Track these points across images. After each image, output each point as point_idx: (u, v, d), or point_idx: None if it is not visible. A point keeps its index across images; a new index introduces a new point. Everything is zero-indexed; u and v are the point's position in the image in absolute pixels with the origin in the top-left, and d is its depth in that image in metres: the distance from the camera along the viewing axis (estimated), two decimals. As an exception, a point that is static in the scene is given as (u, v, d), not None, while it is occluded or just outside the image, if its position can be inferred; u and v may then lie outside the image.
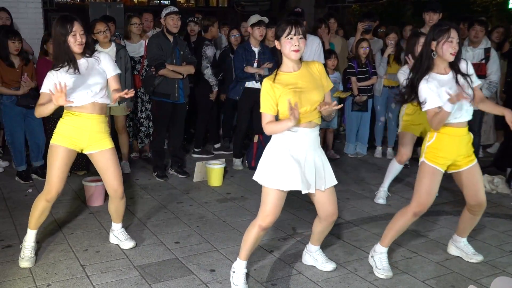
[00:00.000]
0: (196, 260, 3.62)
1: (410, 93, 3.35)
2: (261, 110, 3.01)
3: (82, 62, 3.45)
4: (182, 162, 5.88)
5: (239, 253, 3.19)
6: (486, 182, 5.28)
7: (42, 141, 5.54)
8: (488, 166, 6.01)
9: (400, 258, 3.67)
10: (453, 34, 3.19)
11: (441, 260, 3.64)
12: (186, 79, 5.51)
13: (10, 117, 5.35)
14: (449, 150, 3.33)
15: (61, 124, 3.51)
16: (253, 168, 5.92)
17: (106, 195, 4.82)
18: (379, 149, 6.67)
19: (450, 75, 3.30)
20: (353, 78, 6.34)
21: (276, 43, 3.01)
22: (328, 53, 6.32)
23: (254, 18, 5.74)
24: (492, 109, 3.56)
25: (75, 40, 3.32)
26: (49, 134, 5.54)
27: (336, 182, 3.15)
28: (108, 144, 3.59)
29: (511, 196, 5.07)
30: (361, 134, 6.63)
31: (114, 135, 5.94)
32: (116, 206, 3.74)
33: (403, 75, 4.53)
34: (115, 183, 3.60)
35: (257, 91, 5.55)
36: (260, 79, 5.68)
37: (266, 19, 5.83)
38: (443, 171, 3.38)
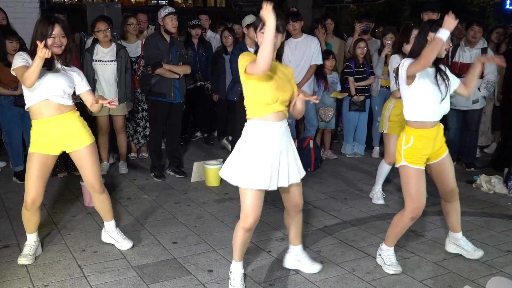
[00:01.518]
0: (194, 260, 3.62)
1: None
2: (242, 63, 2.91)
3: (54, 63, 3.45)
4: (179, 162, 5.88)
5: (233, 255, 3.20)
6: (484, 182, 5.29)
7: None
8: (486, 166, 6.04)
9: (398, 258, 3.66)
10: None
11: (439, 260, 3.65)
12: (183, 79, 5.51)
13: (8, 117, 5.34)
14: (426, 148, 3.35)
15: (32, 133, 3.48)
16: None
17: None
18: (376, 149, 6.67)
19: (433, 70, 3.31)
20: (351, 78, 6.35)
21: (258, 34, 2.94)
22: (326, 53, 6.32)
23: (249, 19, 5.74)
24: (471, 75, 3.51)
25: (54, 42, 3.33)
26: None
27: (305, 173, 3.22)
28: (82, 142, 3.56)
29: (508, 196, 5.08)
30: (358, 134, 6.64)
31: (112, 135, 5.95)
32: (99, 201, 3.73)
33: (395, 61, 4.46)
34: (90, 179, 3.60)
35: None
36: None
37: None
38: (424, 168, 3.38)
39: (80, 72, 3.61)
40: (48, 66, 3.36)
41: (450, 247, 3.77)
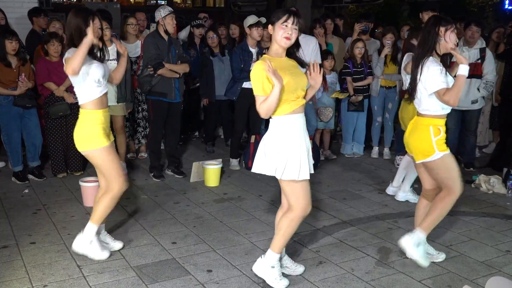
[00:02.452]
0: (193, 260, 3.62)
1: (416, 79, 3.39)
2: (255, 93, 3.01)
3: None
4: (178, 162, 5.88)
5: (274, 248, 3.21)
6: (483, 182, 5.30)
7: (39, 142, 5.53)
8: (484, 166, 6.04)
9: (396, 258, 3.67)
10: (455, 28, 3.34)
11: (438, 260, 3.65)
12: (182, 78, 5.52)
13: (7, 117, 5.33)
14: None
15: (91, 127, 3.51)
16: (250, 168, 5.90)
17: (103, 196, 4.84)
18: (376, 149, 6.67)
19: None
20: (349, 78, 6.35)
21: (270, 27, 3.03)
22: (325, 53, 6.32)
23: (252, 19, 5.74)
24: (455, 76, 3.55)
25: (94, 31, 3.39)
26: (46, 134, 5.54)
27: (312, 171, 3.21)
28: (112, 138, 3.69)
29: (507, 196, 5.08)
30: (357, 135, 6.64)
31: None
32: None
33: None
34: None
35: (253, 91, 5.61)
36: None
37: (264, 20, 5.83)
38: None
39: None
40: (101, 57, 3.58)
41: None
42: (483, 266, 3.56)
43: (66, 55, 3.45)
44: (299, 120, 3.09)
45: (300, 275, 3.41)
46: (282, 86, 2.88)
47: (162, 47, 5.28)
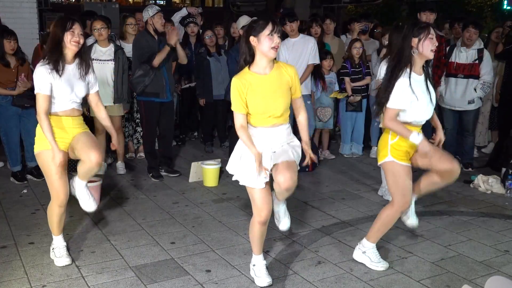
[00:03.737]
0: (192, 260, 3.62)
1: (388, 96, 3.24)
2: (232, 109, 3.06)
3: (71, 67, 3.39)
4: (170, 161, 5.87)
5: (252, 250, 3.31)
6: (481, 182, 5.30)
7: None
8: (483, 166, 6.05)
9: (395, 258, 3.68)
10: (432, 31, 3.21)
11: (436, 260, 3.65)
12: (172, 76, 5.53)
13: (5, 117, 5.33)
14: (411, 145, 3.31)
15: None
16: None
17: (101, 196, 4.84)
18: (374, 149, 6.66)
19: (422, 76, 3.31)
20: (347, 79, 6.35)
21: (252, 39, 2.95)
22: (324, 53, 6.32)
23: (244, 20, 5.74)
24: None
25: (73, 36, 3.28)
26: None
27: (291, 158, 3.06)
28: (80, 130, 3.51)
29: (505, 196, 5.09)
30: (356, 135, 6.64)
31: (109, 135, 5.92)
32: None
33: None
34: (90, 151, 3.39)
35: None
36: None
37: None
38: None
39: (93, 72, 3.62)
40: (61, 71, 3.38)
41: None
42: (481, 266, 3.56)
43: (35, 72, 3.38)
44: (270, 133, 3.07)
45: (299, 275, 3.41)
46: (257, 155, 2.99)
47: (152, 45, 5.28)
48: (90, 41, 5.74)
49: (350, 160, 6.49)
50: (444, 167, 3.33)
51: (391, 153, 3.31)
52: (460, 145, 6.15)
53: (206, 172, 5.37)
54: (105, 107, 5.44)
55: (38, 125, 3.41)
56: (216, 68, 6.50)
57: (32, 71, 5.46)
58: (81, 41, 3.33)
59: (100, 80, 5.47)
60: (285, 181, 2.98)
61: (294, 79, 3.12)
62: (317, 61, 6.05)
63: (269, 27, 2.91)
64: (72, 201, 4.83)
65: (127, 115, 6.10)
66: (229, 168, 3.22)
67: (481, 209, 4.75)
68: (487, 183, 5.27)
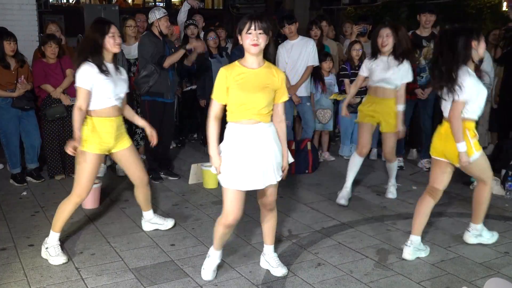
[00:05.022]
0: (192, 262, 3.61)
1: (447, 82, 3.47)
2: (212, 96, 3.11)
3: (110, 66, 3.67)
4: (170, 164, 5.87)
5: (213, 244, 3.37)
6: (481, 184, 5.29)
7: (38, 143, 5.52)
8: (483, 167, 6.03)
9: (395, 260, 3.67)
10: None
11: (436, 262, 3.65)
12: (176, 77, 5.56)
13: (5, 119, 5.33)
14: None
15: (88, 131, 3.58)
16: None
17: (101, 198, 4.83)
18: (374, 150, 6.67)
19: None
20: (346, 80, 6.35)
21: (239, 37, 3.07)
22: (323, 55, 6.33)
23: None
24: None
25: (114, 40, 3.59)
26: (42, 136, 5.53)
27: (277, 180, 3.17)
28: (128, 142, 3.85)
29: (505, 198, 5.09)
30: (355, 136, 6.62)
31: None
32: (144, 193, 4.04)
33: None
34: (140, 174, 3.94)
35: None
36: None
37: None
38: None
39: (124, 70, 3.91)
40: (107, 71, 3.65)
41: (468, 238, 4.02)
42: (481, 268, 3.56)
43: (77, 75, 3.60)
44: (249, 131, 3.07)
45: (299, 277, 3.41)
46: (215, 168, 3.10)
47: (159, 46, 5.31)
48: None
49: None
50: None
51: (476, 148, 3.60)
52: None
53: (206, 174, 5.37)
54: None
55: (85, 126, 3.59)
56: (217, 70, 6.47)
57: (32, 73, 5.51)
58: (120, 41, 3.65)
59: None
60: (271, 203, 3.31)
61: (282, 84, 3.15)
62: (317, 63, 6.06)
63: (247, 25, 2.99)
64: (71, 203, 4.84)
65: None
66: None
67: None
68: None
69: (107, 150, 3.71)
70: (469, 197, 5.07)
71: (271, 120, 3.17)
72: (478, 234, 3.95)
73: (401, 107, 4.72)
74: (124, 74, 3.81)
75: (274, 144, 3.13)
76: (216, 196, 5.10)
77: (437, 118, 6.29)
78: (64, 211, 3.64)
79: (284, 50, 5.97)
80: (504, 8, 12.10)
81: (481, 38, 3.51)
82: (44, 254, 3.63)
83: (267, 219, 3.43)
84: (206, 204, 4.89)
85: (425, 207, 3.76)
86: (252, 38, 2.98)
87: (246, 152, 3.06)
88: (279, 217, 4.50)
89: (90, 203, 4.71)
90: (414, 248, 3.69)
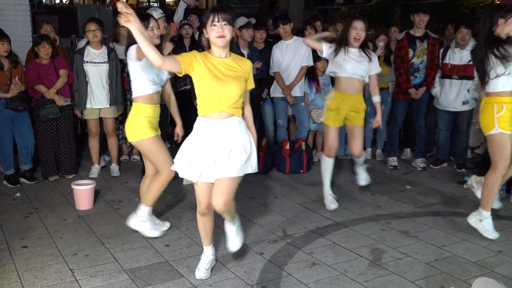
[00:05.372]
0: (186, 263, 3.61)
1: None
2: (177, 56, 3.01)
3: None
4: None
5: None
6: (475, 183, 5.31)
7: (31, 144, 5.50)
8: (477, 167, 6.07)
9: (389, 259, 3.68)
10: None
11: (431, 261, 3.66)
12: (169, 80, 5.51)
13: (-1, 120, 5.30)
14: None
15: (139, 119, 3.82)
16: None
17: (95, 198, 4.82)
18: (368, 150, 6.69)
19: None
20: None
21: (204, 31, 3.04)
22: (318, 55, 6.32)
23: (242, 21, 5.75)
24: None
25: (153, 33, 3.82)
26: (36, 137, 5.50)
27: (233, 175, 3.06)
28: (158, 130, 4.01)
29: (498, 197, 5.10)
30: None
31: (103, 137, 5.93)
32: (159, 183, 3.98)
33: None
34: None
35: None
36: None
37: (253, 20, 5.85)
38: None
39: None
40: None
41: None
42: (475, 267, 3.58)
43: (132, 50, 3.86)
44: (221, 127, 3.05)
45: (293, 277, 3.41)
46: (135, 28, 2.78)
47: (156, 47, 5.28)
48: (82, 43, 5.73)
49: (344, 162, 6.49)
50: None
51: (499, 125, 3.80)
52: (454, 145, 6.18)
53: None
54: (100, 109, 5.52)
55: (130, 115, 3.88)
56: None
57: (25, 74, 5.48)
58: (159, 33, 3.94)
59: (95, 82, 5.49)
60: (218, 205, 3.10)
61: (250, 73, 3.15)
62: (311, 63, 6.06)
63: (211, 18, 2.96)
64: (65, 203, 4.83)
65: (121, 117, 6.08)
66: (175, 159, 3.23)
67: (474, 210, 4.75)
68: (481, 184, 5.28)
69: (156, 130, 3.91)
70: (463, 196, 5.12)
71: (243, 115, 3.18)
72: (480, 220, 4.05)
73: (377, 98, 4.65)
74: None
75: (241, 139, 3.10)
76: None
77: (431, 117, 6.34)
78: (158, 190, 3.89)
79: (279, 50, 5.97)
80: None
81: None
82: (138, 226, 3.97)
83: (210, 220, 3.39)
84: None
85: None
86: (217, 30, 2.94)
87: (210, 148, 3.05)
88: (273, 217, 4.53)
89: (84, 204, 4.70)
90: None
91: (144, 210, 3.97)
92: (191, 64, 2.97)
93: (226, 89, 3.00)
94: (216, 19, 2.94)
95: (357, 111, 4.59)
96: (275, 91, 6.11)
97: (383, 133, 6.64)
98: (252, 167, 3.20)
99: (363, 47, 4.54)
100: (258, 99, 5.96)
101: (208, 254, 3.43)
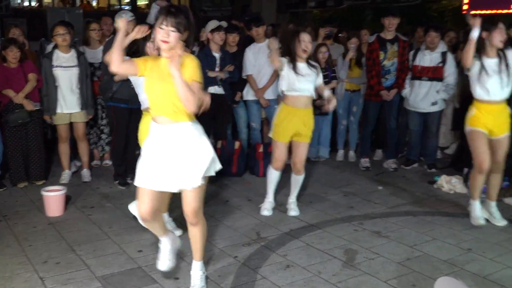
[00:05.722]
0: (160, 268, 3.57)
1: None
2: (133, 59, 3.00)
3: None
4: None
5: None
6: (444, 183, 5.42)
7: (0, 150, 5.37)
8: (446, 167, 6.18)
9: (362, 260, 3.72)
10: (501, 25, 4.10)
11: (402, 260, 3.71)
12: None
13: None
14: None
15: (143, 126, 3.79)
16: (216, 174, 5.89)
17: (66, 205, 4.74)
18: (341, 152, 6.75)
19: (495, 59, 4.19)
20: (314, 83, 6.39)
21: (154, 28, 2.91)
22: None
23: (213, 24, 5.73)
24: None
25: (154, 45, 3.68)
26: (7, 142, 5.37)
27: (195, 185, 2.98)
28: None
29: (468, 196, 5.20)
30: (322, 138, 6.68)
31: (74, 142, 5.83)
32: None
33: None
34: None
35: (219, 97, 5.60)
36: (222, 83, 5.67)
37: (225, 23, 5.84)
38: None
39: None
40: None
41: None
42: (446, 265, 3.64)
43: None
44: (159, 130, 2.96)
45: (267, 279, 3.41)
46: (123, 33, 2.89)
47: (126, 51, 5.22)
48: (50, 46, 5.64)
49: (317, 164, 6.53)
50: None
51: (468, 122, 4.38)
52: (424, 146, 6.29)
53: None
54: (70, 114, 5.43)
55: (141, 123, 3.98)
56: None
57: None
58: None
59: (65, 86, 5.40)
60: (189, 215, 3.09)
61: (194, 69, 2.93)
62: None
63: (160, 19, 2.85)
64: (35, 210, 4.73)
65: (92, 121, 6.00)
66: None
67: (444, 209, 4.85)
68: (450, 183, 5.39)
69: None
70: (433, 196, 5.21)
71: (196, 119, 3.03)
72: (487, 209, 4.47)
73: (327, 92, 4.59)
74: None
75: (195, 145, 2.97)
76: (180, 201, 5.05)
77: (402, 118, 6.42)
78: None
79: (251, 53, 5.98)
80: (465, 11, 12.40)
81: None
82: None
83: (192, 234, 3.21)
84: (174, 210, 4.83)
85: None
86: (163, 35, 2.84)
87: (160, 151, 2.95)
88: (247, 220, 4.52)
89: (55, 211, 4.61)
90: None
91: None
92: (140, 64, 2.93)
93: (165, 90, 2.88)
94: (164, 23, 2.83)
95: (305, 125, 4.51)
96: (248, 94, 6.11)
97: (355, 134, 6.70)
98: (214, 168, 3.10)
99: (309, 59, 4.53)
100: (231, 102, 5.95)
101: (164, 244, 3.27)
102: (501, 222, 4.41)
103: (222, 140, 5.92)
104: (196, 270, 3.25)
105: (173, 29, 2.84)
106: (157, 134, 2.99)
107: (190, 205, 3.07)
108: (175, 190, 3.03)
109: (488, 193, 4.49)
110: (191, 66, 2.91)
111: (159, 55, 3.05)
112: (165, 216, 4.06)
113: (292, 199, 4.79)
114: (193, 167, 2.96)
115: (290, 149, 4.72)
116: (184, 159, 2.94)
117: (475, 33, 4.08)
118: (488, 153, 4.21)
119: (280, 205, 4.93)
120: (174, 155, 2.94)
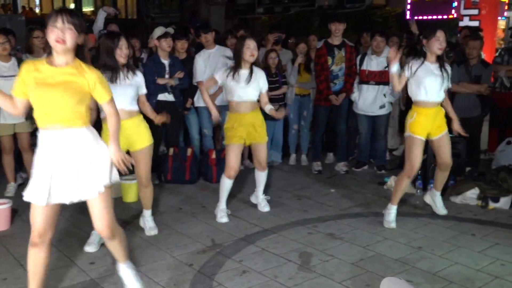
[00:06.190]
0: (113, 279, 3.49)
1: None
2: (11, 92, 2.77)
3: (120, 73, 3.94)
4: None
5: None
6: (394, 183, 5.55)
7: None
8: (395, 168, 6.35)
9: (317, 262, 3.76)
10: (440, 33, 4.26)
11: (356, 261, 3.78)
12: None
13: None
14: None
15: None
16: (169, 182, 5.83)
17: (12, 218, 4.55)
18: (293, 156, 6.82)
19: (436, 64, 4.39)
20: (264, 88, 6.43)
21: (45, 31, 2.68)
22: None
23: (159, 31, 5.66)
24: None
25: (121, 52, 3.92)
26: None
27: (94, 196, 2.81)
28: (140, 144, 4.06)
29: (416, 195, 5.37)
30: (275, 142, 6.74)
31: (18, 153, 5.61)
32: (144, 193, 4.27)
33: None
34: (142, 175, 4.16)
35: (170, 104, 5.54)
36: (173, 90, 5.62)
37: (171, 30, 5.78)
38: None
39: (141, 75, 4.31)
40: (116, 78, 4.00)
41: (426, 198, 4.91)
42: (398, 264, 3.73)
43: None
44: (57, 138, 2.74)
45: (224, 286, 3.39)
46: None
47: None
48: None
49: (270, 168, 6.54)
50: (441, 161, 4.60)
51: (409, 128, 4.49)
52: (373, 148, 6.44)
53: (125, 187, 5.22)
54: (14, 124, 5.23)
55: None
56: None
57: None
58: (128, 52, 4.05)
59: (6, 96, 5.19)
60: (104, 230, 2.90)
61: (96, 84, 2.78)
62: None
63: (52, 17, 2.64)
64: (-22, 226, 4.50)
65: (36, 131, 5.79)
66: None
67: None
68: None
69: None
70: (384, 197, 5.34)
71: (90, 123, 2.88)
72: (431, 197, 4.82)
73: (269, 107, 4.74)
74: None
75: (91, 151, 2.80)
76: (137, 210, 4.96)
77: (351, 122, 6.56)
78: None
79: (201, 60, 5.95)
80: (408, 17, 12.85)
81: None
82: None
83: (111, 247, 3.09)
84: (127, 219, 4.74)
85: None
86: (58, 34, 2.61)
87: (48, 163, 2.74)
88: (201, 226, 4.49)
89: (0, 225, 4.42)
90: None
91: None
92: (21, 88, 2.74)
93: (53, 100, 2.69)
94: (59, 21, 2.61)
95: (256, 128, 4.62)
96: (199, 101, 6.07)
97: (306, 138, 6.79)
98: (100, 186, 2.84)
99: (254, 64, 4.62)
100: (182, 109, 5.90)
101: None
102: (442, 211, 4.77)
103: (174, 147, 5.87)
104: (126, 270, 3.17)
105: (70, 26, 2.63)
106: (48, 143, 2.76)
107: (103, 220, 2.87)
108: (74, 201, 2.80)
109: (435, 184, 4.79)
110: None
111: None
112: (148, 213, 4.40)
113: (261, 196, 4.96)
114: (93, 173, 2.79)
115: (243, 154, 4.73)
116: (81, 166, 2.76)
117: (393, 69, 4.35)
118: (420, 160, 4.45)
119: (235, 210, 4.92)
120: (69, 164, 2.75)
